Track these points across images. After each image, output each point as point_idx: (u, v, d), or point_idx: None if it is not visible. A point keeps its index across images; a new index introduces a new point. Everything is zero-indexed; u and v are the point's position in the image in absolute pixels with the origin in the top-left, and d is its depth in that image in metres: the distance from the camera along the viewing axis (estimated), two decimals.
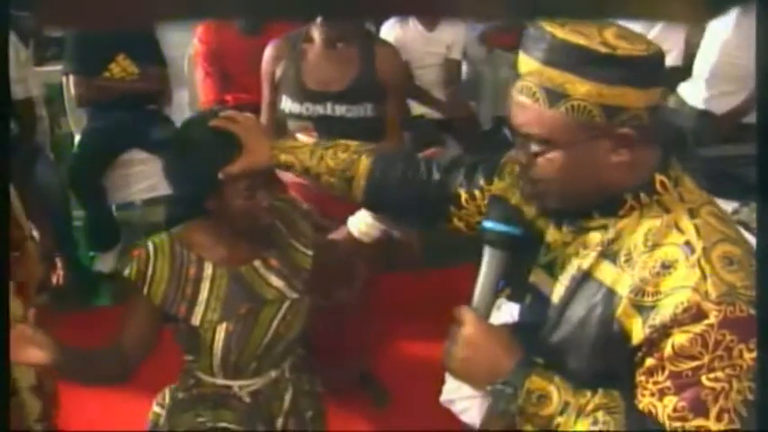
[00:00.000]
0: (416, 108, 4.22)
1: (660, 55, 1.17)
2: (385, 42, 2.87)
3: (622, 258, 1.20)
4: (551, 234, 1.33)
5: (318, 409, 1.98)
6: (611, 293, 1.19)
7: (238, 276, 1.76)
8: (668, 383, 1.14)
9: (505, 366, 1.22)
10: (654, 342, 1.14)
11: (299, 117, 2.59)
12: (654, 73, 1.16)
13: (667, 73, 1.21)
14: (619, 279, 1.19)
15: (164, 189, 3.81)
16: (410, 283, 3.45)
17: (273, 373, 1.86)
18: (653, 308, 1.14)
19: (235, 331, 1.74)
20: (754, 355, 1.10)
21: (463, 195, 1.50)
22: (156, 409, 1.89)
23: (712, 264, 1.12)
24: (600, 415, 1.16)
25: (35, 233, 2.31)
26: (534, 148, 1.20)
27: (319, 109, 2.56)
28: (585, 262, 1.23)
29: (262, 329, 1.79)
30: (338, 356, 2.86)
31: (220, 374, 1.80)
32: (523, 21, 1.23)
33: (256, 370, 1.83)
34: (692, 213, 1.18)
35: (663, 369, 1.14)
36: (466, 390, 1.33)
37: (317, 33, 2.55)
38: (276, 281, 1.80)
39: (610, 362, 1.21)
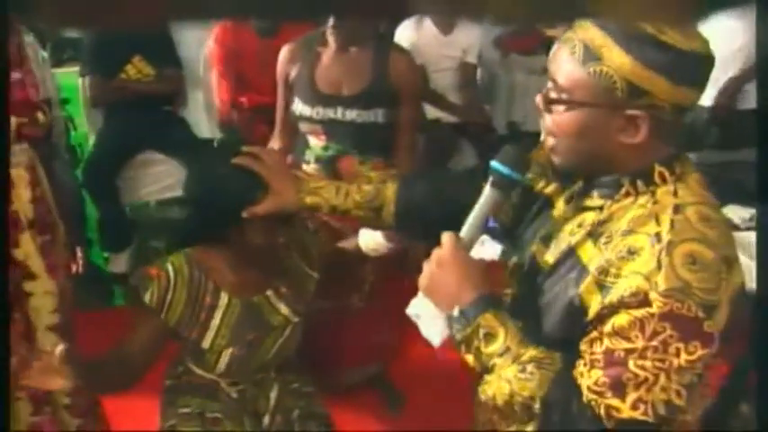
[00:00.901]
0: (431, 112, 4.21)
1: (705, 59, 1.16)
2: (399, 47, 2.85)
3: (603, 240, 1.23)
4: (557, 209, 1.37)
5: (308, 409, 2.00)
6: (584, 271, 1.23)
7: (251, 306, 1.80)
8: (600, 357, 1.17)
9: (466, 296, 1.27)
10: (601, 318, 1.18)
11: (309, 120, 2.59)
12: (690, 72, 1.15)
13: (706, 78, 1.18)
14: (593, 258, 1.23)
15: (178, 190, 3.82)
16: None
17: (260, 376, 1.92)
18: (610, 288, 1.17)
19: (239, 355, 1.81)
20: (690, 358, 1.12)
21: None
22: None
23: (672, 258, 1.13)
24: (531, 366, 1.21)
25: (60, 223, 2.33)
26: (555, 96, 1.23)
27: (330, 113, 2.56)
28: (574, 239, 1.27)
29: (265, 351, 1.86)
30: (350, 360, 2.86)
31: (213, 375, 1.86)
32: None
33: (248, 376, 1.91)
34: (677, 209, 1.19)
35: (600, 342, 1.17)
36: (431, 307, 1.34)
37: (331, 37, 2.55)
38: (284, 308, 1.85)
39: (570, 333, 1.24)
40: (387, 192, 1.61)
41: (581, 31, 1.18)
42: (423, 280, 1.33)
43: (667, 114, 1.16)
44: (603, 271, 1.19)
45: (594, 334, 1.19)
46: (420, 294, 1.37)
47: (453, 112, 4.26)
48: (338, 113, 2.56)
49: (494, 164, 1.35)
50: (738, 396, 2.61)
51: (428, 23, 4.18)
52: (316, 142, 2.62)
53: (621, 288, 1.15)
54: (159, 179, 3.90)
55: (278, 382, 1.95)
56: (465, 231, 1.35)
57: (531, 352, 1.22)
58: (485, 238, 1.44)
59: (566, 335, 1.25)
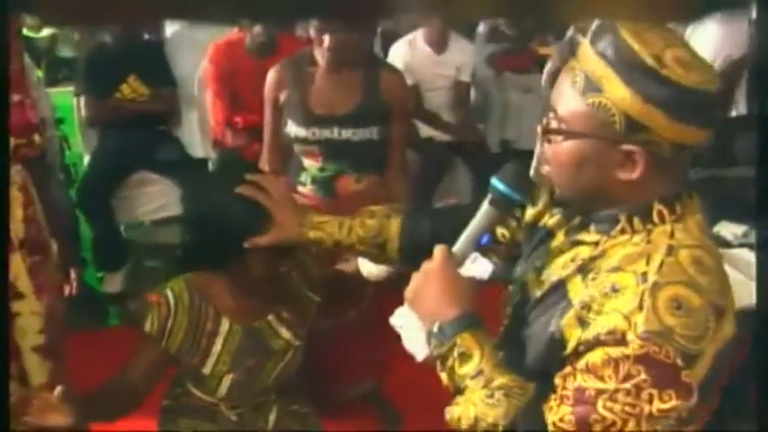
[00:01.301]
0: (425, 130, 4.23)
1: (708, 96, 1.11)
2: (389, 65, 2.86)
3: (591, 276, 1.19)
4: (556, 240, 1.34)
5: (305, 430, 1.99)
6: (569, 305, 1.19)
7: (252, 331, 1.79)
8: (570, 393, 1.13)
9: (446, 313, 1.25)
10: (577, 353, 1.14)
11: (305, 141, 2.58)
12: (692, 109, 1.10)
13: (711, 116, 1.14)
14: (579, 293, 1.19)
15: (172, 210, 3.83)
16: None
17: (260, 398, 1.90)
18: (590, 324, 1.14)
19: (240, 380, 1.79)
20: (663, 407, 1.07)
21: (499, 230, 1.51)
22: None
23: (655, 300, 1.09)
24: (499, 393, 1.17)
25: (53, 243, 2.33)
26: (554, 125, 1.20)
27: (326, 133, 2.55)
28: (565, 272, 1.24)
29: (266, 375, 1.85)
30: (347, 377, 2.85)
31: (213, 398, 1.84)
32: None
33: (248, 400, 1.89)
34: (670, 251, 1.14)
35: (573, 378, 1.13)
36: (415, 319, 1.33)
37: (321, 57, 2.55)
38: (285, 333, 1.83)
39: (548, 366, 1.20)
40: (390, 227, 1.58)
41: (583, 61, 1.16)
42: (408, 291, 1.32)
43: (667, 152, 1.12)
44: (585, 306, 1.15)
45: (569, 369, 1.15)
46: (405, 305, 1.36)
47: (447, 131, 4.28)
48: (334, 133, 2.56)
49: (493, 181, 1.33)
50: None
51: (421, 43, 4.21)
52: (311, 163, 2.62)
53: (600, 325, 1.11)
54: (154, 199, 3.91)
55: (277, 405, 1.93)
56: (458, 246, 1.34)
57: (503, 379, 1.19)
58: (476, 255, 1.43)
59: (545, 367, 1.21)
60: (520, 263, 1.42)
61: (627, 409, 1.07)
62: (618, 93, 1.10)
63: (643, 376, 1.07)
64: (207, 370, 1.75)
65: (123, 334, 3.29)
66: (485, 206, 1.34)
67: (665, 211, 1.18)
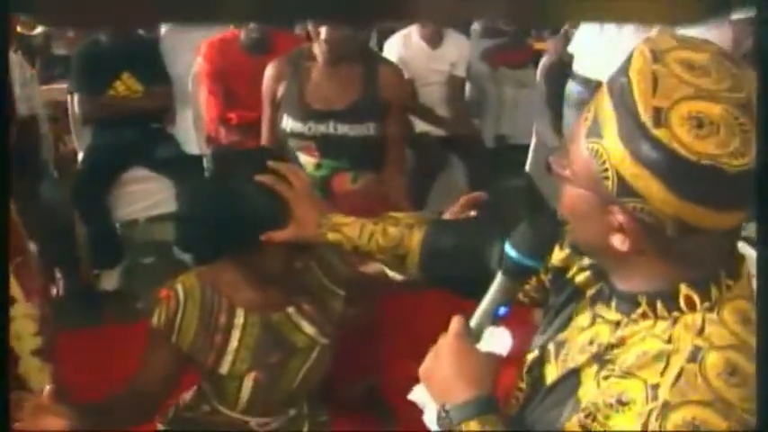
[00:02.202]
0: (420, 125, 4.23)
1: (730, 175, 0.85)
2: (388, 61, 2.86)
3: (604, 373, 1.02)
4: (580, 309, 1.18)
5: None
6: (577, 404, 1.04)
7: (270, 324, 1.68)
8: None
9: (457, 395, 1.12)
10: None
11: (301, 137, 2.57)
12: (704, 188, 0.87)
13: (735, 197, 0.89)
14: (588, 393, 1.03)
15: (167, 207, 3.83)
16: (414, 302, 3.43)
17: (292, 411, 1.80)
18: None
19: (263, 380, 1.67)
20: None
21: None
22: (160, 428, 1.83)
23: (664, 424, 0.89)
24: None
25: (32, 245, 2.31)
26: (556, 164, 1.04)
27: (322, 128, 2.55)
28: (582, 358, 1.08)
29: (291, 377, 1.72)
30: (344, 376, 2.84)
31: (241, 412, 1.73)
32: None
33: (277, 410, 1.77)
34: (695, 356, 0.92)
35: None
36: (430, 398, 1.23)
37: (319, 52, 2.54)
38: (308, 327, 1.72)
39: None
40: (412, 241, 1.47)
41: (598, 98, 0.95)
42: (422, 368, 1.20)
43: (673, 232, 0.91)
44: (589, 415, 0.99)
45: None
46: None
47: (442, 126, 4.28)
48: (330, 128, 2.55)
49: (507, 249, 1.18)
50: None
51: (416, 38, 4.20)
52: (308, 160, 2.61)
53: None
54: (148, 196, 3.90)
55: (309, 420, 1.83)
56: (474, 320, 1.22)
57: None
58: (494, 329, 1.31)
59: None
60: (543, 324, 1.27)
61: None
62: (613, 143, 0.90)
63: None
64: (224, 369, 1.64)
65: (120, 332, 3.31)
66: (499, 277, 1.20)
67: (696, 297, 0.96)
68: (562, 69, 3.92)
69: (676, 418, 0.88)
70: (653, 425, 0.89)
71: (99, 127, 3.90)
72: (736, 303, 0.96)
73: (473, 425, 1.09)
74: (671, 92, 0.86)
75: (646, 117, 0.86)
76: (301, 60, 2.60)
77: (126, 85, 3.83)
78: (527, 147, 4.56)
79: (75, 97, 3.83)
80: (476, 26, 5.16)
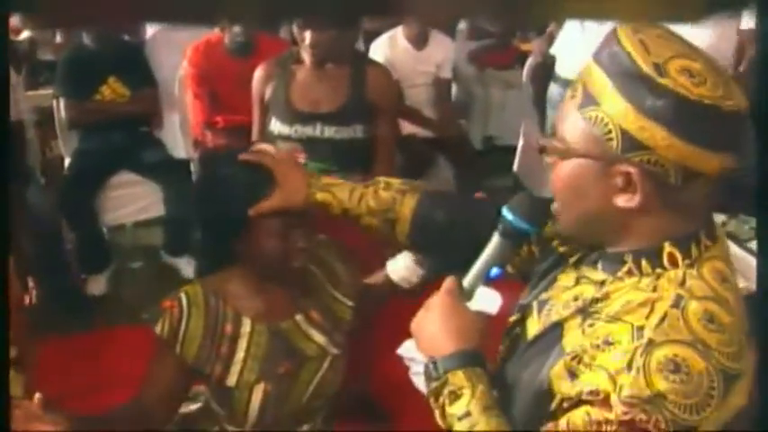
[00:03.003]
0: (407, 127, 4.23)
1: (727, 116, 0.96)
2: (376, 63, 2.85)
3: (589, 321, 1.08)
4: (564, 272, 1.24)
5: None
6: (561, 351, 1.09)
7: (279, 333, 1.63)
8: None
9: (445, 347, 1.17)
10: (561, 409, 1.05)
11: (288, 139, 2.57)
12: (700, 128, 0.96)
13: (729, 139, 0.99)
14: (573, 340, 1.09)
15: (155, 211, 3.83)
16: (403, 305, 3.42)
17: (306, 427, 1.73)
18: (577, 378, 1.04)
19: (273, 391, 1.61)
20: None
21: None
22: None
23: (648, 359, 0.96)
24: None
25: None
26: (552, 147, 1.10)
27: (308, 131, 2.55)
28: (565, 312, 1.13)
29: (301, 388, 1.67)
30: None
31: (250, 428, 1.66)
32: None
33: (290, 425, 1.70)
34: (678, 302, 1.00)
35: None
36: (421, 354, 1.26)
37: (306, 54, 2.55)
38: (318, 336, 1.68)
39: (534, 419, 1.11)
40: (404, 207, 1.44)
41: (585, 73, 1.05)
42: (413, 322, 1.24)
43: (674, 178, 0.99)
44: (576, 357, 1.05)
45: (551, 426, 1.05)
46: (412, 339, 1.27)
47: (429, 128, 4.28)
48: (317, 131, 2.55)
49: (504, 212, 1.23)
50: None
51: (401, 39, 4.21)
52: None
53: (584, 382, 1.01)
54: (135, 200, 3.89)
55: None
56: (467, 280, 1.26)
57: (487, 425, 1.09)
58: (485, 290, 1.35)
59: (530, 418, 1.13)
60: (528, 288, 1.32)
61: None
62: (614, 105, 0.98)
63: None
64: (232, 381, 1.58)
65: (107, 337, 3.30)
66: (495, 238, 1.24)
67: (678, 254, 1.05)
68: (547, 70, 3.93)
69: (660, 354, 0.96)
70: (638, 360, 0.96)
71: (86, 132, 3.89)
72: (714, 263, 1.05)
73: (459, 375, 1.13)
74: (661, 51, 0.97)
75: (648, 70, 0.95)
76: (289, 63, 2.60)
77: (112, 90, 3.82)
78: (514, 148, 4.57)
79: (62, 102, 3.81)
80: (462, 27, 5.18)
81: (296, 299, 1.68)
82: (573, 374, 1.05)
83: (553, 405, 1.07)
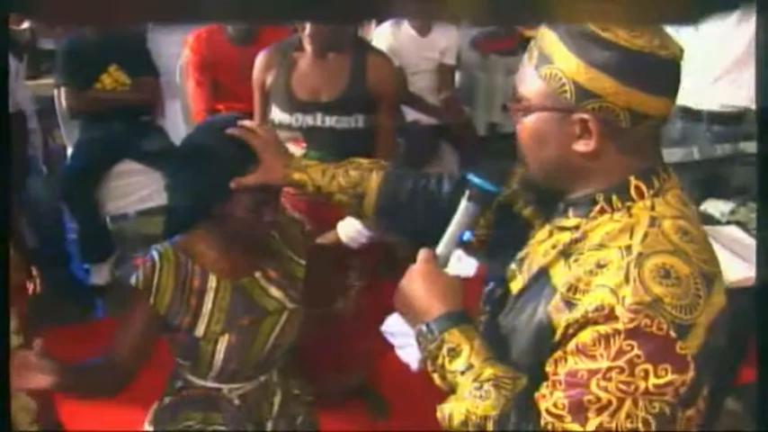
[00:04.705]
0: (410, 114, 4.21)
1: (659, 62, 1.09)
2: (377, 51, 2.82)
3: (574, 257, 1.16)
4: (534, 231, 1.31)
5: (309, 417, 1.99)
6: (554, 291, 1.16)
7: (241, 288, 1.77)
8: (562, 377, 1.09)
9: (434, 311, 1.23)
10: (567, 336, 1.10)
11: (288, 128, 2.55)
12: (641, 73, 1.09)
13: (666, 84, 1.12)
14: (563, 277, 1.16)
15: (157, 200, 3.81)
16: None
17: (262, 377, 1.87)
18: (577, 305, 1.10)
19: (236, 342, 1.75)
20: (660, 382, 1.02)
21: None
22: (147, 427, 1.88)
23: (641, 270, 1.06)
24: (488, 385, 1.14)
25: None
26: (515, 106, 1.21)
27: (309, 119, 2.53)
28: (546, 259, 1.21)
29: (262, 340, 1.80)
30: (336, 367, 2.83)
31: (213, 379, 1.81)
32: (522, 25, 1.22)
33: (248, 376, 1.85)
34: (653, 222, 1.12)
35: (564, 361, 1.09)
36: (406, 326, 1.31)
37: (307, 42, 2.52)
38: (276, 292, 1.82)
39: (538, 356, 1.16)
40: (371, 182, 1.57)
41: (539, 38, 1.17)
42: (396, 295, 1.30)
43: (625, 121, 1.11)
44: (572, 288, 1.12)
45: (559, 353, 1.11)
46: (395, 313, 1.34)
47: (432, 114, 4.26)
48: (317, 120, 2.53)
49: (470, 177, 1.32)
50: (723, 393, 2.62)
51: (405, 26, 4.18)
52: (295, 150, 2.60)
53: (587, 302, 1.08)
54: (138, 189, 3.89)
55: (281, 388, 1.92)
56: (441, 247, 1.33)
57: (492, 370, 1.16)
58: (460, 253, 1.42)
59: (534, 359, 1.17)
60: (497, 256, 1.38)
61: (621, 387, 1.03)
62: (566, 61, 1.11)
63: (636, 351, 1.03)
64: (200, 332, 1.72)
65: (110, 326, 3.30)
66: (463, 203, 1.33)
67: (643, 186, 1.16)
68: None
69: (650, 264, 1.07)
70: (633, 272, 1.06)
71: (87, 121, 3.88)
72: (674, 191, 1.18)
73: (455, 332, 1.21)
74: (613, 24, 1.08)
75: (593, 28, 1.09)
76: (290, 50, 2.58)
77: (113, 78, 3.81)
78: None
79: (62, 91, 3.80)
80: None
81: (256, 259, 1.82)
82: (570, 304, 1.11)
83: (557, 336, 1.12)
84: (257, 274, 1.80)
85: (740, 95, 3.25)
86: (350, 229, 1.92)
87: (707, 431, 1.48)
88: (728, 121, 3.39)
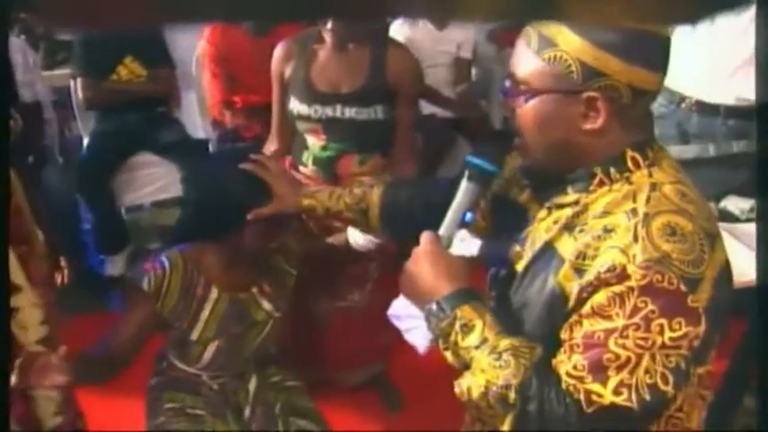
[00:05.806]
0: (427, 107, 4.19)
1: (658, 40, 1.16)
2: (398, 43, 2.80)
3: (578, 229, 1.20)
4: (533, 213, 1.34)
5: (290, 403, 2.07)
6: (561, 261, 1.20)
7: (237, 302, 1.94)
8: (579, 341, 1.12)
9: (443, 290, 1.26)
10: (580, 300, 1.14)
11: (307, 119, 2.54)
12: (644, 52, 1.14)
13: (663, 60, 1.18)
14: (570, 247, 1.19)
15: (173, 191, 3.81)
16: None
17: (241, 367, 2.05)
18: (587, 270, 1.14)
19: (224, 347, 1.94)
20: (675, 335, 1.07)
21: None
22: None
23: (649, 229, 1.11)
24: (507, 354, 1.16)
25: (39, 233, 2.29)
26: (516, 91, 1.23)
27: (328, 111, 2.52)
28: (549, 235, 1.24)
29: (248, 345, 2.00)
30: (353, 359, 2.83)
31: (197, 369, 1.99)
32: (523, 22, 1.23)
33: (229, 370, 2.03)
34: (654, 187, 1.17)
35: (580, 326, 1.13)
36: (413, 309, 1.34)
37: (327, 35, 2.51)
38: (267, 305, 2.00)
39: (551, 325, 1.20)
40: (372, 196, 1.68)
41: (537, 24, 1.19)
42: (402, 279, 1.34)
43: (626, 98, 1.15)
44: (581, 255, 1.16)
45: (574, 318, 1.15)
46: (401, 296, 1.36)
47: (448, 107, 4.24)
48: (337, 111, 2.52)
49: (469, 158, 1.37)
50: (741, 388, 2.60)
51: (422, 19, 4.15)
52: (314, 142, 2.59)
53: (598, 264, 1.12)
54: (154, 180, 3.88)
55: (257, 375, 2.07)
56: (443, 228, 1.36)
57: (508, 341, 1.18)
58: (464, 234, 1.44)
59: (549, 328, 1.21)
60: (499, 239, 1.42)
61: (639, 342, 1.07)
62: (571, 43, 1.14)
63: (650, 307, 1.07)
64: (195, 336, 1.89)
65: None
66: (464, 184, 1.36)
67: (639, 157, 1.21)
68: None
69: (657, 223, 1.12)
70: (641, 232, 1.11)
71: (103, 112, 3.87)
72: (668, 161, 1.23)
73: (466, 309, 1.23)
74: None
75: None
76: (309, 41, 2.57)
77: (129, 69, 3.80)
78: None
79: (78, 82, 3.79)
80: None
81: (255, 275, 1.98)
82: (580, 271, 1.15)
83: (570, 303, 1.16)
84: (254, 290, 1.98)
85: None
86: (358, 237, 2.02)
87: (725, 430, 1.50)
88: (745, 115, 3.35)
